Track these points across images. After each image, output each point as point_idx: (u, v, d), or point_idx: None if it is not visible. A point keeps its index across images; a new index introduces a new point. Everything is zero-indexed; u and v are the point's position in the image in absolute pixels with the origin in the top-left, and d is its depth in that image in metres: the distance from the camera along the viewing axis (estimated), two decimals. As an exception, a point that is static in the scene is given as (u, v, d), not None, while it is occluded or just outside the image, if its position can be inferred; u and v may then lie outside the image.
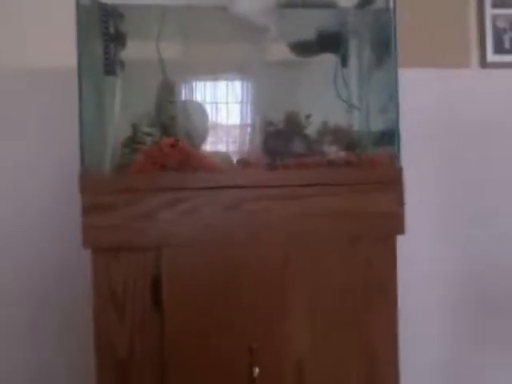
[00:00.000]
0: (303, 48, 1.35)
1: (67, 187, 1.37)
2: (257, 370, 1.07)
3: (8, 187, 1.49)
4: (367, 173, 1.14)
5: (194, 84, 1.30)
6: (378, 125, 1.27)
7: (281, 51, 1.34)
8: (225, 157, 1.21)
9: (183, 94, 1.29)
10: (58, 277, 1.49)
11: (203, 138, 1.25)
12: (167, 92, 1.23)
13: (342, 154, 1.21)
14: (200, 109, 1.28)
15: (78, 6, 1.11)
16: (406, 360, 1.18)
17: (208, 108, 1.29)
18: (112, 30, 1.24)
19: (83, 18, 1.12)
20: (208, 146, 1.26)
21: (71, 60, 1.13)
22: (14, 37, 1.47)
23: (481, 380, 1.69)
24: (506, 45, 1.65)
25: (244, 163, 1.17)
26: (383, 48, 1.24)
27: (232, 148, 1.25)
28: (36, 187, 1.49)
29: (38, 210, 1.49)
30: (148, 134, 1.18)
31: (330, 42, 1.34)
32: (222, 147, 1.27)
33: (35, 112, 1.49)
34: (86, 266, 1.07)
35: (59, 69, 1.44)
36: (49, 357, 1.49)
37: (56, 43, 1.44)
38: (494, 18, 1.65)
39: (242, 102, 1.30)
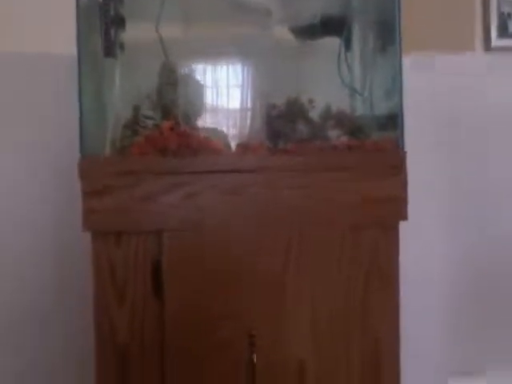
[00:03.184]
0: (306, 31, 1.34)
1: (68, 171, 1.37)
2: (255, 357, 1.07)
3: (6, 172, 1.48)
4: (370, 158, 1.13)
5: (194, 66, 1.29)
6: (381, 109, 1.26)
7: (283, 34, 1.33)
8: (222, 136, 1.20)
9: (184, 76, 1.27)
10: (58, 261, 1.49)
11: (200, 119, 1.24)
12: (168, 74, 1.22)
13: (345, 139, 1.20)
14: (197, 91, 1.27)
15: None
16: (408, 351, 1.18)
17: (208, 91, 1.28)
18: (112, 13, 1.23)
19: (83, 0, 1.11)
20: (207, 128, 1.25)
21: (70, 43, 1.12)
22: (11, 19, 1.46)
23: (482, 371, 1.69)
24: (511, 29, 1.64)
25: (245, 147, 1.16)
26: (387, 32, 1.22)
27: (233, 131, 1.24)
28: (35, 171, 1.48)
29: (38, 196, 1.48)
30: (149, 118, 1.17)
31: (334, 26, 1.32)
32: (222, 130, 1.26)
33: (34, 96, 1.48)
34: (86, 250, 1.07)
35: (58, 52, 1.43)
36: (48, 342, 1.49)
37: (55, 26, 1.42)
38: (499, 2, 1.63)
39: (243, 85, 1.29)
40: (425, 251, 1.63)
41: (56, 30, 1.41)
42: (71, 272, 1.47)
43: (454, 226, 1.66)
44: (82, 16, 1.11)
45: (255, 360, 1.07)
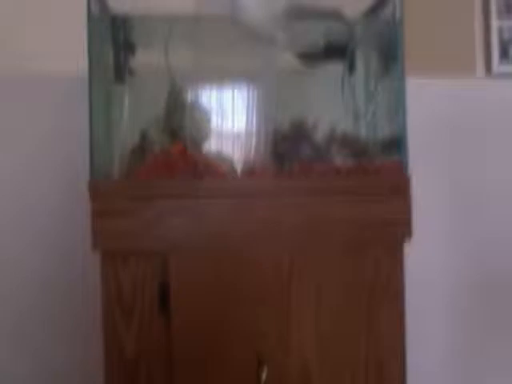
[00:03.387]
0: (310, 57, 1.37)
1: (73, 192, 1.39)
2: (264, 375, 1.07)
3: (11, 194, 1.49)
4: (375, 181, 1.15)
5: (201, 91, 1.32)
6: (385, 133, 1.28)
7: (288, 60, 1.35)
8: (227, 160, 1.22)
9: (191, 102, 1.30)
10: (66, 280, 1.49)
11: (207, 144, 1.26)
12: (175, 99, 1.24)
13: (349, 162, 1.22)
14: (204, 116, 1.29)
15: (89, 17, 1.13)
16: (412, 367, 1.18)
17: (215, 115, 1.30)
18: (122, 39, 1.26)
19: (94, 27, 1.14)
20: (214, 153, 1.27)
21: (75, 66, 1.14)
22: (17, 42, 1.49)
23: (485, 381, 1.68)
24: (512, 55, 1.67)
25: (250, 170, 1.18)
26: (390, 56, 1.25)
27: (238, 155, 1.26)
28: (40, 194, 1.49)
29: (45, 215, 1.49)
30: (156, 142, 1.20)
31: (337, 52, 1.35)
32: (228, 154, 1.28)
33: (40, 118, 1.50)
34: (91, 266, 1.08)
35: (64, 76, 1.45)
36: (58, 359, 1.49)
37: (60, 49, 1.45)
38: (500, 29, 1.66)
39: (248, 109, 1.31)
40: (430, 270, 1.63)
41: (64, 49, 1.44)
42: (80, 288, 1.48)
43: (459, 245, 1.66)
44: (93, 41, 1.13)
45: (263, 378, 1.07)
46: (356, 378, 1.13)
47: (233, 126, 1.30)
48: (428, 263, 1.62)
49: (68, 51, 1.40)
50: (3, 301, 1.49)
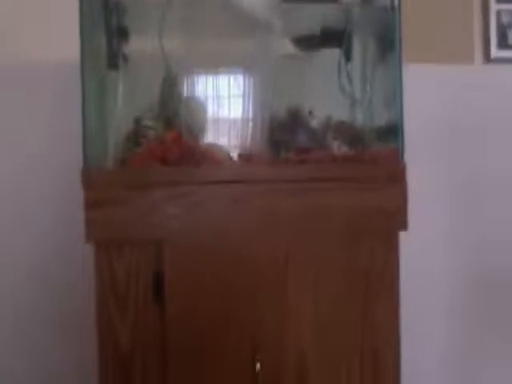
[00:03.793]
0: (307, 42, 1.35)
1: (69, 182, 1.38)
2: (258, 365, 1.08)
3: (8, 183, 1.48)
4: (371, 168, 1.14)
5: (196, 78, 1.30)
6: (381, 120, 1.27)
7: (284, 46, 1.34)
8: (223, 149, 1.21)
9: (186, 88, 1.29)
10: (60, 271, 1.49)
11: (202, 132, 1.25)
12: (170, 86, 1.23)
13: (346, 149, 1.21)
14: (199, 103, 1.28)
15: (81, 1, 1.11)
16: (411, 362, 1.18)
17: (210, 102, 1.29)
18: (115, 24, 1.24)
19: (86, 12, 1.12)
20: (209, 140, 1.26)
21: (71, 54, 1.13)
22: (14, 31, 1.47)
23: (482, 376, 1.69)
24: (510, 40, 1.65)
25: (246, 158, 1.17)
26: (387, 43, 1.24)
27: (234, 142, 1.25)
28: (37, 183, 1.48)
29: (40, 206, 1.49)
30: (150, 128, 1.18)
31: (334, 37, 1.34)
32: (224, 141, 1.27)
33: (35, 106, 1.48)
34: (89, 260, 1.08)
35: (59, 63, 1.43)
36: (52, 351, 1.50)
37: (57, 37, 1.43)
38: (499, 13, 1.64)
39: (244, 96, 1.30)
40: (426, 259, 1.63)
41: (57, 37, 1.42)
42: (74, 281, 1.47)
43: (455, 234, 1.66)
44: (86, 26, 1.12)
45: (258, 368, 1.08)
46: (352, 366, 1.14)
47: (229, 114, 1.28)
48: (425, 253, 1.63)
49: (63, 37, 1.38)
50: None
